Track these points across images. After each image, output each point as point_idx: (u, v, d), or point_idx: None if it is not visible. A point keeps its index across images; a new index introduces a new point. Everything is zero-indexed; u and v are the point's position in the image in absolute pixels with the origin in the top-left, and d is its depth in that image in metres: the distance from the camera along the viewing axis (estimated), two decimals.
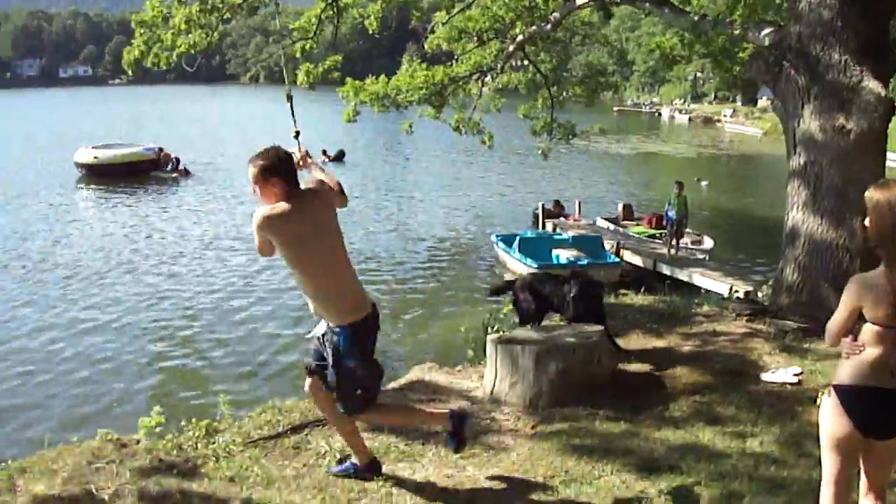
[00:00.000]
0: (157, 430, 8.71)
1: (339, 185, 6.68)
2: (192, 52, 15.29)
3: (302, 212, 6.05)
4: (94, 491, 7.29)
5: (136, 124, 73.88)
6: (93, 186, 42.67)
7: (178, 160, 45.54)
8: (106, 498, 7.03)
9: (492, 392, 9.32)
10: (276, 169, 6.10)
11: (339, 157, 50.90)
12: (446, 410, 7.14)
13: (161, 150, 45.95)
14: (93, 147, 46.05)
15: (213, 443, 8.16)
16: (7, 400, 15.60)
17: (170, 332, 19.87)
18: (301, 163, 6.60)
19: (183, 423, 8.89)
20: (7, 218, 33.98)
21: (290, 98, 7.55)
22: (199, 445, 8.16)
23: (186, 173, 44.96)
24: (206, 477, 7.50)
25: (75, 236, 30.56)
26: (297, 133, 7.12)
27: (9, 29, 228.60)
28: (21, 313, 21.23)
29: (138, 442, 8.46)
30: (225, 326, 20.28)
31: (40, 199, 38.81)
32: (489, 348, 9.46)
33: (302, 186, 6.27)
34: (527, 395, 8.98)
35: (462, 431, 6.92)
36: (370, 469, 7.10)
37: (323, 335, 6.46)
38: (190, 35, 15.19)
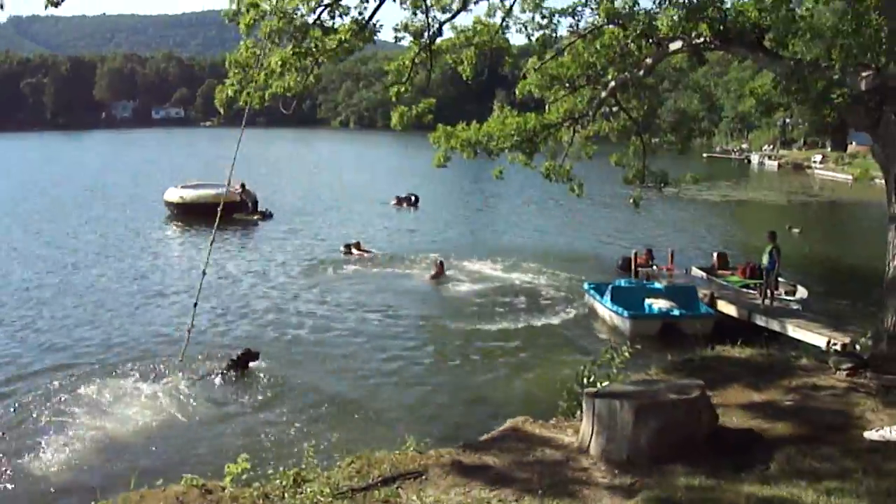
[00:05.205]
0: (244, 476, 8.67)
1: None
2: (287, 94, 15.30)
3: None
4: None
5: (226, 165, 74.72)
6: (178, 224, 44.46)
7: (256, 202, 46.50)
8: None
9: (588, 447, 9.07)
10: None
11: (414, 202, 51.12)
12: None
13: (244, 185, 46.45)
14: (182, 187, 47.56)
15: (301, 492, 8.07)
16: (93, 443, 15.15)
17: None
18: None
19: (270, 470, 8.84)
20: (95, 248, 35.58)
21: None
22: (286, 495, 8.08)
23: (268, 215, 45.87)
24: None
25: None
26: None
27: (105, 72, 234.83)
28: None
29: (223, 489, 8.43)
30: (302, 368, 19.84)
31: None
32: (585, 402, 9.22)
33: None
34: (624, 450, 8.72)
35: None
36: None
37: None
38: (285, 77, 15.18)
